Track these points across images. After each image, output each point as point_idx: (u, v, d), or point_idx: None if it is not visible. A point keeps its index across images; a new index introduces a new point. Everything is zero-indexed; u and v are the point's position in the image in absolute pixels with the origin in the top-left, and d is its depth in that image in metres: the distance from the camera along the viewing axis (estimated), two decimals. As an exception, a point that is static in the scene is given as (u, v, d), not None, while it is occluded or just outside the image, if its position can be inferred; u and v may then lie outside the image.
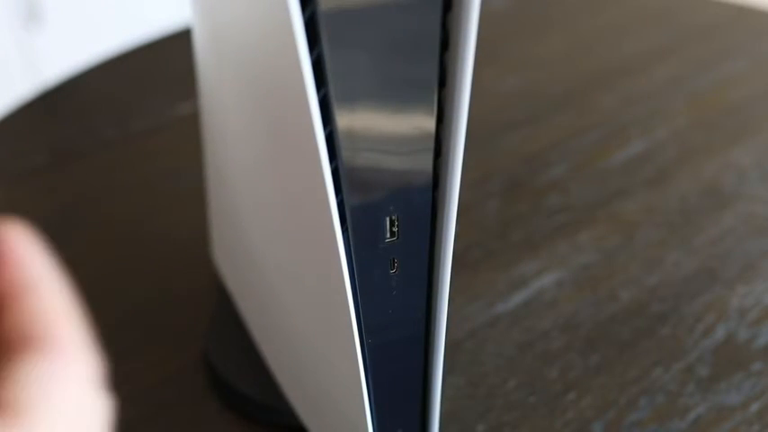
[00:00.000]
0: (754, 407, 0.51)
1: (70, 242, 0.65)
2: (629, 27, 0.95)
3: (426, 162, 0.34)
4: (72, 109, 0.83)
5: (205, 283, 0.60)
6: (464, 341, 0.55)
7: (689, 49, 0.90)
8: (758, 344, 0.55)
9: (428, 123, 0.33)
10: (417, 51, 0.31)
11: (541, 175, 0.71)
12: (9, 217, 0.20)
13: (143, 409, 0.52)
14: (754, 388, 0.52)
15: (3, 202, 0.70)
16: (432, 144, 0.33)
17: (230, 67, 0.40)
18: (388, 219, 0.34)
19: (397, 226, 0.35)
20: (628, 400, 0.52)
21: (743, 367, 0.54)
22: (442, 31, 0.31)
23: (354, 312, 0.35)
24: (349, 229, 0.34)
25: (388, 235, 0.35)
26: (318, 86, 0.30)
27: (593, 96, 0.82)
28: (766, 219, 0.66)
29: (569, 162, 0.73)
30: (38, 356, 0.18)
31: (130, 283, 0.61)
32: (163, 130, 0.78)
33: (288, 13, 0.28)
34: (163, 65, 0.88)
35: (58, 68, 0.96)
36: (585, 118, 0.79)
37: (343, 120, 0.31)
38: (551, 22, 0.97)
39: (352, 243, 0.34)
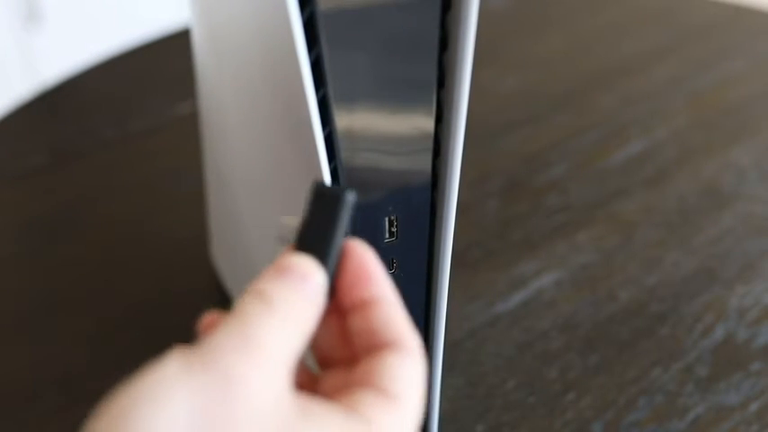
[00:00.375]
0: (753, 407, 0.51)
1: (70, 242, 0.65)
2: (629, 27, 0.95)
3: (425, 162, 0.34)
4: (72, 109, 0.83)
5: (205, 283, 0.60)
6: (464, 341, 0.55)
7: (688, 49, 0.90)
8: (757, 344, 0.55)
9: (427, 123, 0.33)
10: (416, 51, 0.31)
11: (541, 175, 0.71)
12: (350, 240, 0.24)
13: (143, 408, 0.51)
14: (754, 388, 0.52)
15: (3, 201, 0.70)
16: (431, 144, 0.33)
17: (229, 67, 0.40)
18: (387, 219, 0.34)
19: (397, 226, 0.35)
20: (627, 400, 0.52)
21: (742, 367, 0.54)
22: (441, 31, 0.31)
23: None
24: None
25: (388, 235, 0.35)
26: (317, 87, 0.30)
27: (593, 96, 0.82)
28: (765, 219, 0.66)
29: (569, 162, 0.73)
30: (401, 357, 0.24)
31: (130, 283, 0.61)
32: (162, 130, 0.78)
33: (287, 13, 0.28)
34: (163, 65, 0.88)
35: (57, 68, 0.96)
36: (585, 118, 0.79)
37: (342, 120, 0.31)
38: (551, 21, 0.97)
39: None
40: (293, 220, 0.24)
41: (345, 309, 0.25)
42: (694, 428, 0.50)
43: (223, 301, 0.57)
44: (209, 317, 0.27)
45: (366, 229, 0.34)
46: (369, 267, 0.25)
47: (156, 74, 0.88)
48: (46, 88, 0.84)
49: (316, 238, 0.24)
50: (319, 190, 0.24)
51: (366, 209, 0.34)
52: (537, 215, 0.67)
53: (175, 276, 0.61)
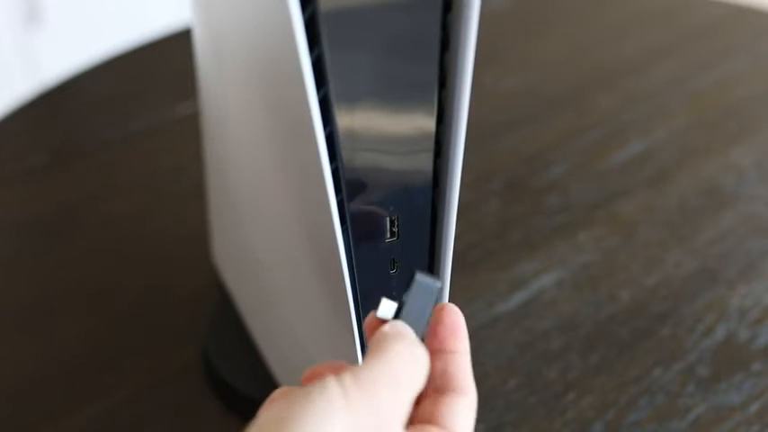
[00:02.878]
0: (754, 407, 0.51)
1: (70, 241, 0.65)
2: (630, 27, 0.95)
3: (426, 162, 0.34)
4: (72, 109, 0.83)
5: (205, 283, 0.60)
6: (464, 341, 0.55)
7: (689, 49, 0.90)
8: (758, 344, 0.55)
9: (428, 123, 0.33)
10: (417, 52, 0.31)
11: (541, 175, 0.71)
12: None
13: (143, 409, 0.52)
14: (755, 388, 0.52)
15: (3, 201, 0.70)
16: (432, 144, 0.33)
17: (230, 67, 0.40)
18: (388, 219, 0.34)
19: (398, 226, 0.35)
20: (628, 400, 0.52)
21: (743, 367, 0.54)
22: (442, 32, 0.31)
23: (355, 312, 0.35)
24: (349, 229, 0.34)
25: (389, 235, 0.35)
26: (318, 86, 0.30)
27: (594, 96, 0.82)
28: (766, 219, 0.66)
29: (569, 162, 0.73)
30: (466, 402, 0.30)
31: (130, 283, 0.61)
32: (163, 130, 0.78)
33: (288, 13, 0.28)
34: (163, 65, 0.88)
35: (57, 69, 0.96)
36: (586, 118, 0.79)
37: (343, 120, 0.31)
38: (551, 22, 0.97)
39: (352, 243, 0.34)
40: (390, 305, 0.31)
41: (431, 352, 0.30)
42: (695, 428, 0.50)
43: (223, 300, 0.57)
44: (313, 370, 0.32)
45: (367, 228, 0.34)
46: (461, 325, 0.31)
47: (156, 74, 0.88)
48: (46, 88, 0.84)
49: (415, 316, 0.30)
50: (419, 280, 0.31)
51: (367, 209, 0.34)
52: (537, 215, 0.67)
53: (176, 276, 0.61)
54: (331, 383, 0.26)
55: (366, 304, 0.36)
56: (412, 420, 0.29)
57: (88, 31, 1.43)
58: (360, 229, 0.34)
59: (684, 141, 0.75)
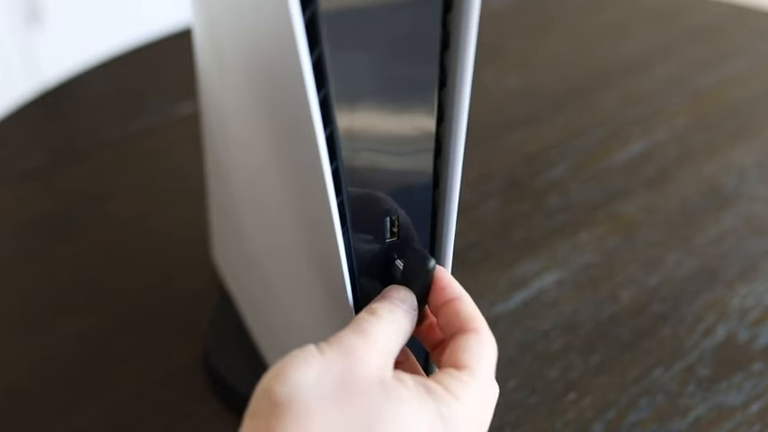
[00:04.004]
0: (755, 407, 0.51)
1: (70, 242, 0.65)
2: (631, 27, 0.95)
3: (426, 162, 0.34)
4: (73, 109, 0.83)
5: (205, 283, 0.60)
6: (464, 341, 0.55)
7: (689, 49, 0.90)
8: (758, 344, 0.55)
9: (428, 123, 0.33)
10: (418, 51, 0.31)
11: (542, 174, 0.71)
12: None
13: (143, 408, 0.52)
14: (755, 388, 0.52)
15: (3, 201, 0.70)
16: (432, 144, 0.33)
17: (231, 67, 0.40)
18: (388, 219, 0.34)
19: (398, 226, 0.35)
20: (628, 400, 0.52)
21: (743, 367, 0.54)
22: (442, 31, 0.31)
23: (355, 312, 0.35)
24: (349, 229, 0.34)
25: (389, 235, 0.35)
26: (319, 87, 0.30)
27: (594, 96, 0.82)
28: (767, 219, 0.66)
29: (570, 162, 0.73)
30: (477, 337, 0.32)
31: (130, 283, 0.61)
32: (163, 130, 0.78)
33: (288, 13, 0.28)
34: (164, 65, 0.88)
35: (58, 68, 0.96)
36: (586, 118, 0.79)
37: (343, 120, 0.31)
38: (552, 21, 0.97)
39: (352, 243, 0.34)
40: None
41: (436, 312, 0.34)
42: (696, 429, 0.50)
43: (223, 300, 0.57)
44: None
45: (368, 228, 0.34)
46: (445, 278, 0.34)
47: (157, 74, 0.88)
48: (47, 88, 0.84)
49: (412, 279, 0.34)
50: (413, 252, 0.34)
51: (367, 209, 0.34)
52: (538, 215, 0.67)
53: (176, 276, 0.61)
54: (309, 345, 0.30)
55: (366, 304, 0.36)
56: (440, 366, 0.33)
57: (88, 31, 1.43)
58: (360, 230, 0.34)
59: (685, 141, 0.75)
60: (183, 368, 0.54)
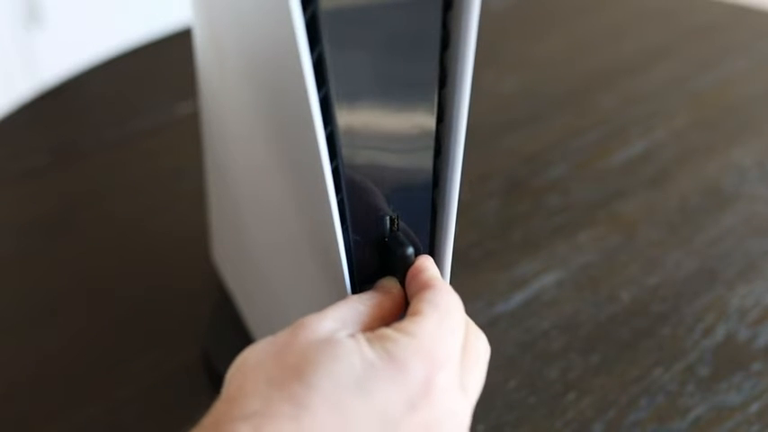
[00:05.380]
0: (755, 407, 0.51)
1: (70, 242, 0.65)
2: (630, 27, 0.95)
3: (426, 161, 0.34)
4: (72, 109, 0.83)
5: (205, 283, 0.60)
6: (464, 341, 0.55)
7: (689, 49, 0.90)
8: (758, 344, 0.55)
9: (428, 123, 0.33)
10: (418, 51, 0.31)
11: (541, 175, 0.71)
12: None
13: (143, 408, 0.52)
14: (755, 388, 0.52)
15: (3, 201, 0.70)
16: (432, 143, 0.33)
17: (231, 66, 0.40)
18: (388, 218, 0.34)
19: (398, 225, 0.35)
20: (628, 400, 0.52)
21: (743, 367, 0.54)
22: (442, 31, 0.31)
23: (355, 312, 0.35)
24: (349, 229, 0.34)
25: (389, 234, 0.35)
26: (319, 86, 0.30)
27: (594, 96, 0.82)
28: (767, 219, 0.66)
29: (569, 162, 0.73)
30: (433, 291, 0.33)
31: (130, 283, 0.61)
32: (163, 130, 0.78)
33: (289, 12, 0.28)
34: (164, 65, 0.88)
35: (58, 68, 0.96)
36: (586, 118, 0.79)
37: (343, 119, 0.31)
38: (551, 22, 0.97)
39: (352, 242, 0.34)
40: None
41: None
42: (695, 428, 0.50)
43: (223, 301, 0.57)
44: None
45: (367, 227, 0.34)
46: (423, 265, 0.35)
47: (156, 74, 0.88)
48: (46, 88, 0.84)
49: (396, 267, 0.35)
50: (393, 243, 0.35)
51: (367, 208, 0.34)
52: (538, 215, 0.67)
53: (176, 276, 0.61)
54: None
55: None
56: None
57: (88, 31, 1.43)
58: (360, 229, 0.34)
59: (685, 141, 0.75)
60: (183, 368, 0.54)
